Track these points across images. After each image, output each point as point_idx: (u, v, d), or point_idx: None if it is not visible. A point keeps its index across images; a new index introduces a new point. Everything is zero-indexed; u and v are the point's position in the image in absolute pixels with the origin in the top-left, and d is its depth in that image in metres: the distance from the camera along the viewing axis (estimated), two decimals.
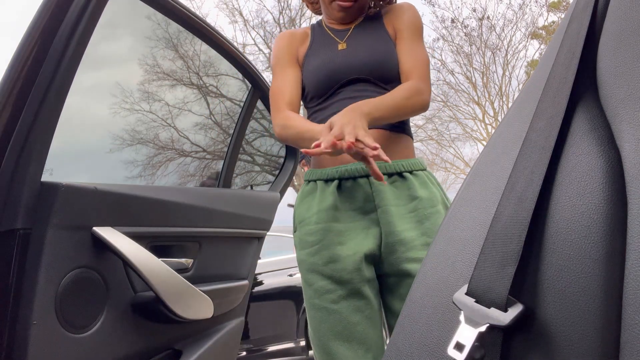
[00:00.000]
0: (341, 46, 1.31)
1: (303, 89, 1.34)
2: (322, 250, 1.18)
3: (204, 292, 1.12)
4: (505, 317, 0.32)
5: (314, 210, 1.21)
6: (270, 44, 17.73)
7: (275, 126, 1.25)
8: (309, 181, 1.28)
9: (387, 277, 1.20)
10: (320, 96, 1.30)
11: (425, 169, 1.26)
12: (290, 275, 4.49)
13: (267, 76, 16.84)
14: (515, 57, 18.52)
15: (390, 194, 1.19)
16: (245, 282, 1.38)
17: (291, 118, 1.23)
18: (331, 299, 1.16)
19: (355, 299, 1.16)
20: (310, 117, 1.34)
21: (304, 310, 4.37)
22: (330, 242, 1.18)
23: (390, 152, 1.22)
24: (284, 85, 1.32)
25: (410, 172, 1.22)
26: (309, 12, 20.11)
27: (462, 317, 0.35)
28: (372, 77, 1.27)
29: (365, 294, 1.17)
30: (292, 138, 1.21)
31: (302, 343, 4.31)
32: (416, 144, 17.93)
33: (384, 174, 1.19)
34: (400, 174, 1.21)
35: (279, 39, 1.39)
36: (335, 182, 1.21)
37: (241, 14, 17.70)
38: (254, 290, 3.98)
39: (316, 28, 1.41)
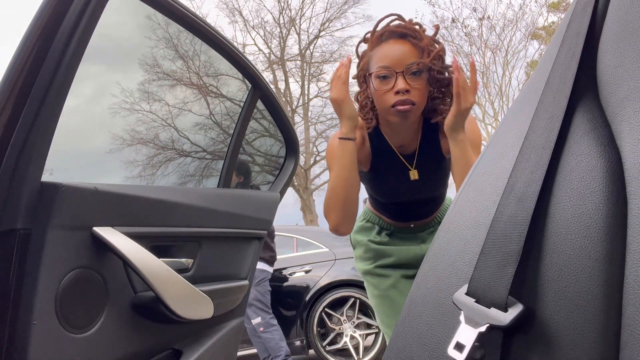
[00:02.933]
0: (413, 175, 1.43)
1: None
2: (376, 260, 1.52)
3: (204, 292, 1.12)
4: (505, 317, 0.32)
5: (369, 238, 1.55)
6: (270, 44, 17.73)
7: (330, 223, 1.34)
8: (368, 221, 1.58)
9: None
10: (390, 203, 1.51)
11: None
12: (291, 275, 4.49)
13: (267, 76, 16.83)
14: (515, 57, 18.50)
15: (430, 235, 1.54)
16: (245, 282, 1.38)
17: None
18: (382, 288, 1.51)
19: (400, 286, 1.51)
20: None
21: (304, 309, 4.37)
22: (380, 256, 1.52)
23: (437, 210, 1.55)
24: None
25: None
26: (308, 12, 20.09)
27: (462, 317, 0.35)
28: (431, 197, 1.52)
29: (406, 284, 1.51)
30: (340, 197, 1.30)
31: (303, 342, 4.31)
32: None
33: (428, 227, 1.55)
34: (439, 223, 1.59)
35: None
36: (389, 232, 1.54)
37: (241, 14, 17.68)
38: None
39: (374, 137, 1.41)
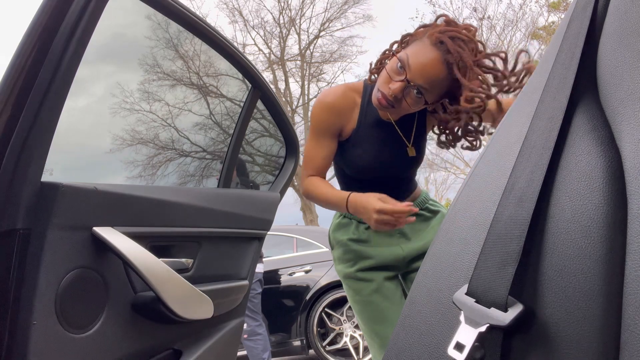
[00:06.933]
0: (411, 152, 1.44)
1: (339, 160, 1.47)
2: (356, 262, 1.48)
3: (204, 292, 1.12)
4: (505, 317, 0.32)
5: (348, 236, 1.51)
6: (270, 44, 17.73)
7: (301, 188, 1.47)
8: (344, 216, 1.54)
9: (410, 274, 1.52)
10: (361, 179, 1.46)
11: (427, 202, 1.58)
12: (291, 275, 4.49)
13: (267, 76, 16.83)
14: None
15: (409, 227, 1.50)
16: (245, 282, 1.38)
17: (314, 184, 1.42)
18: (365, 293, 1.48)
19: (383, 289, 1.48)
20: (342, 183, 1.54)
21: (304, 309, 4.37)
22: (360, 258, 1.48)
23: (408, 195, 1.54)
24: (317, 154, 1.43)
25: (421, 210, 1.56)
26: (308, 13, 20.08)
27: (462, 317, 0.35)
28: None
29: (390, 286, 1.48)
30: (317, 202, 1.44)
31: (303, 342, 4.31)
32: None
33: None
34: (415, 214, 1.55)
35: (326, 110, 1.39)
36: (367, 225, 1.49)
37: (241, 14, 17.67)
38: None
39: (366, 106, 1.40)
